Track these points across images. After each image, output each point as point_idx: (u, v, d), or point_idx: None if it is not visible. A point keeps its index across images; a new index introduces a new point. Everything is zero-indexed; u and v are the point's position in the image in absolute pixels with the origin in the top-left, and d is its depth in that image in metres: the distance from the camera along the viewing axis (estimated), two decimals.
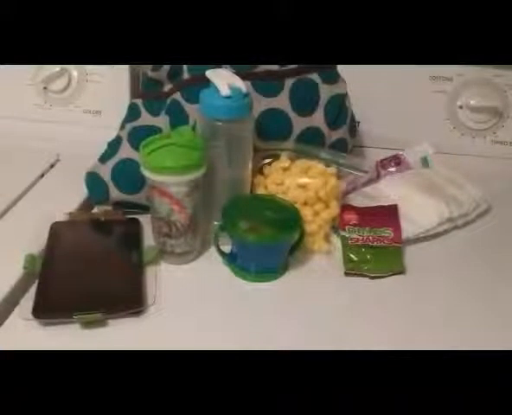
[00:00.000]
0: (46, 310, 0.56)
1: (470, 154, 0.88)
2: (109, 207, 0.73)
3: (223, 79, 0.62)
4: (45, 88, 0.93)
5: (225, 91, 0.61)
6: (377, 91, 0.88)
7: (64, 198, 0.76)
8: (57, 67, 0.92)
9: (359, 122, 0.84)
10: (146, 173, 0.61)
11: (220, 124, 0.63)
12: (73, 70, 0.93)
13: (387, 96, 0.89)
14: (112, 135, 0.89)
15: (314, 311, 0.60)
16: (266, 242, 0.63)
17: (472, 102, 0.87)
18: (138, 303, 0.58)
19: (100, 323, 0.57)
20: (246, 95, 0.63)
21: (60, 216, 0.72)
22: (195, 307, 0.60)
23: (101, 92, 0.93)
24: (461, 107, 0.88)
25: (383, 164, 0.81)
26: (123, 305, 0.57)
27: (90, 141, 0.87)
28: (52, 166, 0.86)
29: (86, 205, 0.77)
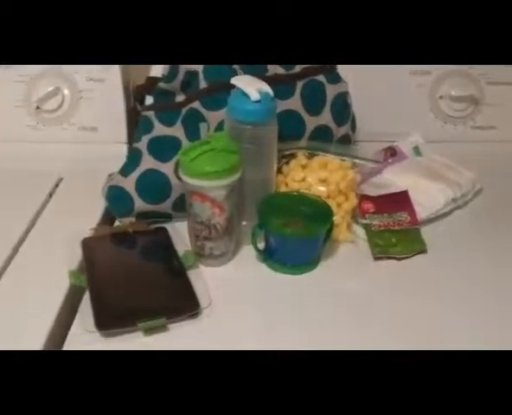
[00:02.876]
0: (109, 321, 0.57)
1: (453, 140, 0.94)
2: (133, 219, 0.74)
3: (251, 85, 0.66)
4: (38, 108, 0.92)
5: (255, 95, 0.65)
6: (364, 89, 0.93)
7: (81, 215, 0.76)
8: (50, 87, 0.91)
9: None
10: (188, 179, 0.63)
11: (249, 127, 0.67)
12: (66, 88, 0.92)
13: (374, 93, 0.94)
14: (112, 149, 0.91)
15: (360, 294, 0.65)
16: (305, 235, 0.66)
17: (452, 92, 0.94)
18: (196, 306, 0.60)
19: (161, 329, 0.58)
20: (273, 98, 0.67)
21: (85, 232, 0.72)
22: (244, 304, 0.63)
23: (96, 109, 0.93)
24: (441, 98, 0.95)
25: (382, 155, 0.87)
26: (182, 309, 0.59)
27: (90, 157, 0.88)
28: (57, 185, 0.86)
29: (106, 219, 0.77)
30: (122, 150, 0.91)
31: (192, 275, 0.66)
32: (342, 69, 0.83)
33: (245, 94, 0.66)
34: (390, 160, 0.87)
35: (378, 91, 0.94)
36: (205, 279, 0.65)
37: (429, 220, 0.76)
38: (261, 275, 0.68)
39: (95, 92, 0.93)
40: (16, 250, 0.70)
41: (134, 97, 0.95)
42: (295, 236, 0.66)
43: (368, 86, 0.93)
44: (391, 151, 0.88)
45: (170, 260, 0.66)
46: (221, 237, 0.67)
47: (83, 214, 0.77)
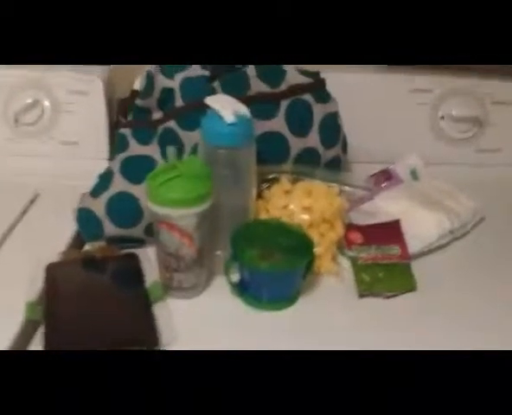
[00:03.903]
0: None
1: (455, 163, 0.88)
2: (103, 243, 0.70)
3: (226, 106, 0.61)
4: (16, 121, 0.88)
5: (229, 118, 0.60)
6: (360, 106, 0.88)
7: (52, 236, 0.73)
8: (29, 99, 0.87)
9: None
10: (154, 207, 0.59)
11: (224, 151, 0.62)
12: (46, 101, 0.88)
13: (371, 111, 0.89)
14: (92, 165, 0.86)
15: (340, 335, 0.59)
16: (281, 269, 0.61)
17: (453, 112, 0.88)
18: (154, 343, 0.55)
19: None
20: (250, 120, 0.62)
21: (53, 256, 0.68)
22: (212, 342, 0.58)
23: (77, 123, 0.89)
24: (443, 118, 0.89)
25: (375, 179, 0.81)
26: (141, 346, 0.54)
27: (69, 173, 0.84)
28: (32, 202, 0.82)
29: (77, 242, 0.73)
30: (103, 167, 0.86)
31: (158, 308, 0.61)
32: (338, 85, 0.78)
33: (220, 116, 0.61)
34: (384, 184, 0.81)
35: (375, 109, 0.89)
36: (171, 313, 0.60)
37: (422, 254, 0.70)
38: (234, 310, 0.63)
39: (77, 106, 0.89)
40: None
41: (118, 111, 0.90)
42: (270, 270, 0.61)
43: (365, 103, 0.88)
44: (386, 175, 0.82)
45: (136, 291, 0.62)
46: (191, 269, 0.62)
47: (55, 236, 0.73)
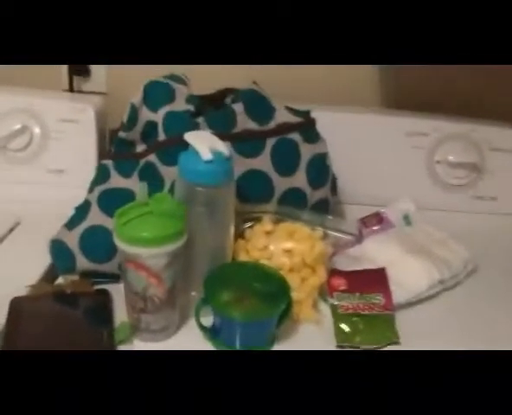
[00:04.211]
0: None
1: (450, 210, 0.86)
2: (76, 277, 0.68)
3: (204, 143, 0.59)
4: (4, 147, 0.87)
5: (207, 155, 0.58)
6: (353, 147, 0.86)
7: (25, 267, 0.70)
8: (18, 125, 0.86)
9: (336, 178, 0.81)
10: (121, 245, 0.56)
11: (201, 189, 0.59)
12: (35, 127, 0.87)
13: (365, 152, 0.87)
14: (78, 195, 0.84)
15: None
16: (254, 318, 0.58)
17: (450, 158, 0.85)
18: None
19: None
20: (229, 159, 0.60)
21: (22, 288, 0.65)
22: None
23: (65, 151, 0.88)
24: (439, 162, 0.86)
25: (365, 223, 0.78)
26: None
27: (53, 202, 0.82)
28: (11, 230, 0.80)
29: (50, 274, 0.71)
30: None
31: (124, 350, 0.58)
32: (332, 125, 0.76)
33: (198, 153, 0.59)
34: (375, 227, 0.78)
35: (369, 150, 0.87)
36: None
37: (409, 304, 0.67)
38: None
39: (67, 134, 0.88)
40: None
41: (110, 141, 0.89)
42: (243, 319, 0.58)
43: (359, 144, 0.86)
44: (377, 218, 0.79)
45: (101, 332, 0.59)
46: (160, 310, 0.59)
47: (28, 267, 0.70)
